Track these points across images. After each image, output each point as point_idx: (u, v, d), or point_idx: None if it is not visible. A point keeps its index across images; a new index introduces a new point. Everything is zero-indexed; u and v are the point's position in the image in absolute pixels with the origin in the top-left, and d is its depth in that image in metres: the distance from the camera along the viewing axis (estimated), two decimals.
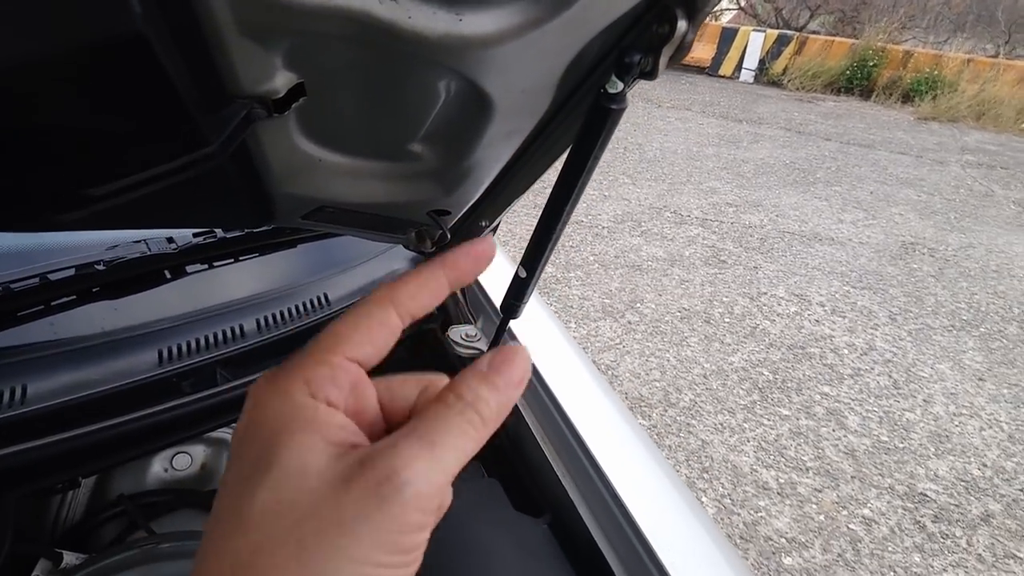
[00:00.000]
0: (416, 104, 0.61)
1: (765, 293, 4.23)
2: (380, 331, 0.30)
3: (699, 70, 12.07)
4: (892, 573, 2.31)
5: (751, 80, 11.68)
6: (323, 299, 1.00)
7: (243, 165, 0.62)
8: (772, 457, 2.84)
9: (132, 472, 0.97)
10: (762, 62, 11.66)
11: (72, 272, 0.86)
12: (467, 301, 1.08)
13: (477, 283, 1.13)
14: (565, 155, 0.65)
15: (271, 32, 0.47)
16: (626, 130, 7.89)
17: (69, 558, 0.82)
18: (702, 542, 0.85)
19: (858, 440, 2.96)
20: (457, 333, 1.04)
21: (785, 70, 11.51)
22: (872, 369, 3.52)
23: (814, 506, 2.58)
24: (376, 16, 0.46)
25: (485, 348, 0.98)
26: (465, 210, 0.84)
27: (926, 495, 2.69)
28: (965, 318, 4.15)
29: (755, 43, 11.68)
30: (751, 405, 3.17)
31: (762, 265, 4.61)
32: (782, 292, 4.25)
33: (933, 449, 2.96)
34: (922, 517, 2.57)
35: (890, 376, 3.48)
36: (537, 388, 0.98)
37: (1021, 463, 2.91)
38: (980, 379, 3.54)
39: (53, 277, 0.84)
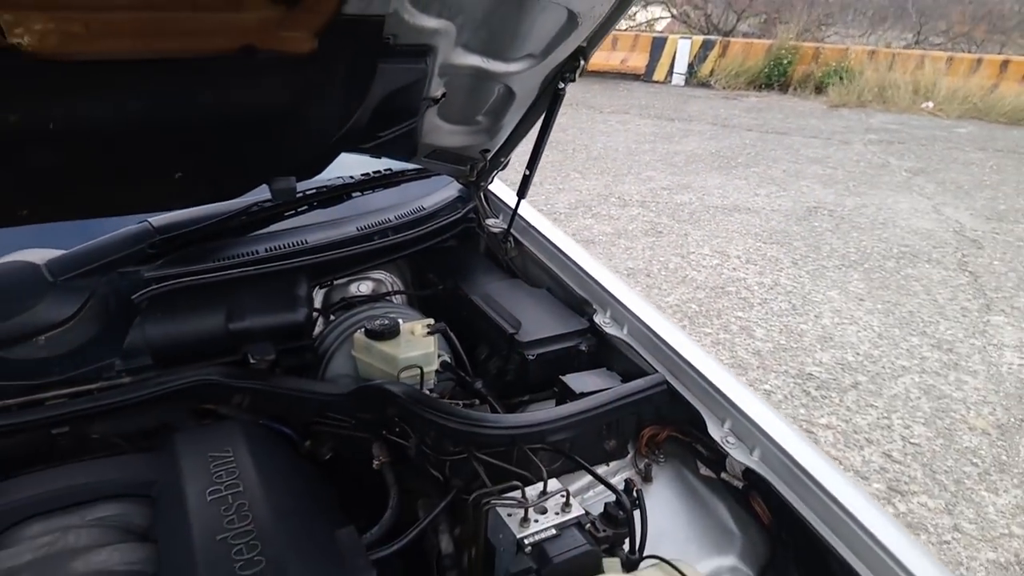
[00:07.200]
0: (483, 99, 1.54)
1: (693, 252, 5.26)
2: None
3: (635, 77, 13.28)
4: None
5: (682, 83, 12.91)
6: (421, 207, 1.91)
7: (414, 128, 1.54)
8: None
9: (340, 292, 1.88)
10: (691, 66, 12.89)
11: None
12: (490, 205, 2.02)
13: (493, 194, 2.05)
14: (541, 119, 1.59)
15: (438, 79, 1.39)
16: (573, 134, 8.94)
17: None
18: None
19: (761, 344, 3.97)
20: (490, 222, 1.97)
21: (712, 72, 12.77)
22: (776, 298, 4.55)
23: None
24: (485, 69, 1.39)
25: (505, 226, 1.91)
26: (496, 151, 1.78)
27: (812, 375, 3.69)
28: (853, 259, 5.24)
29: (683, 49, 12.92)
30: (682, 329, 4.15)
31: (691, 232, 5.65)
32: (707, 250, 5.28)
33: (819, 346, 3.98)
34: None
35: (790, 302, 4.51)
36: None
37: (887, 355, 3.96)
38: (860, 299, 4.60)
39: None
